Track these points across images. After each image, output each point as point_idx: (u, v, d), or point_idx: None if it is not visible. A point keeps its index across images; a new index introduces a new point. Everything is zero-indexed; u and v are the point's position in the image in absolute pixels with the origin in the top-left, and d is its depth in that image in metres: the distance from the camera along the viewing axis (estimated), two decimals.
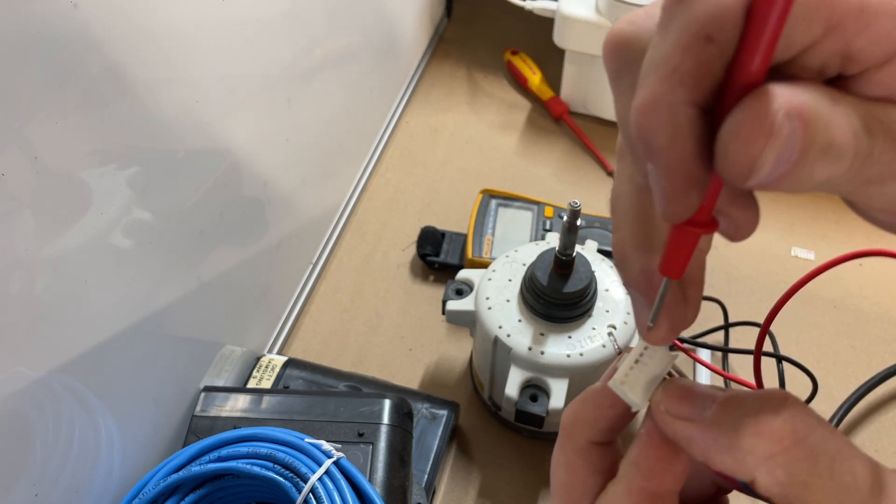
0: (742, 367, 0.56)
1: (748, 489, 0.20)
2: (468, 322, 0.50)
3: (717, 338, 0.57)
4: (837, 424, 0.51)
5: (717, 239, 0.23)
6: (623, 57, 0.19)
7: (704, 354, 0.56)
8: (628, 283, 0.22)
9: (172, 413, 0.45)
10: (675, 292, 0.21)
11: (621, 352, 0.24)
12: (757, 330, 0.56)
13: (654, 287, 0.21)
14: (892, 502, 0.18)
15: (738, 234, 0.19)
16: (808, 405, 0.20)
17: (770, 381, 0.55)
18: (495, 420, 0.54)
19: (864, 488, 0.18)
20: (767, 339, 0.55)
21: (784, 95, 0.16)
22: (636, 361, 0.22)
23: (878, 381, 0.54)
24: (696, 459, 0.20)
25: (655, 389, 0.22)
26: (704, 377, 0.54)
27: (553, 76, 0.80)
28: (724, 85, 0.17)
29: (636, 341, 0.24)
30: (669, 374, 0.22)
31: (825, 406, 0.53)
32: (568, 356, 0.44)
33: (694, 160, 0.17)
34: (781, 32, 0.15)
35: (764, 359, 0.55)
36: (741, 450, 0.19)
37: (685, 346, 0.51)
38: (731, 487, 0.25)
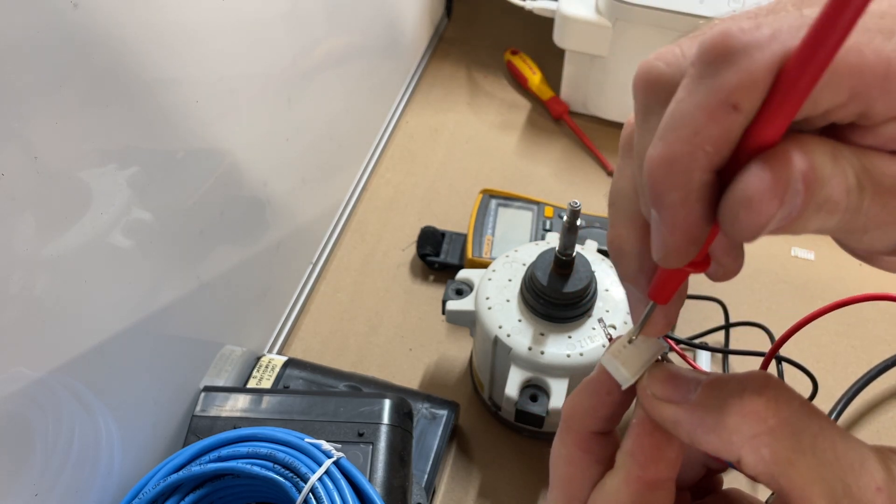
0: (742, 367, 0.56)
1: (734, 467, 0.21)
2: (468, 322, 0.50)
3: (718, 338, 0.57)
4: (835, 421, 0.51)
5: None
6: (654, 95, 0.19)
7: (704, 355, 0.56)
8: (624, 279, 0.23)
9: (172, 413, 0.45)
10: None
11: (612, 339, 0.24)
12: (757, 330, 0.56)
13: (649, 282, 0.22)
14: (871, 476, 0.19)
15: (724, 277, 0.21)
16: (788, 385, 0.20)
17: None
18: (495, 420, 0.54)
19: (844, 463, 0.19)
20: (767, 339, 0.55)
21: (793, 160, 0.16)
22: (629, 342, 0.23)
23: (875, 375, 0.54)
24: (684, 442, 0.21)
25: (644, 370, 0.22)
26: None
27: (553, 76, 0.80)
28: (738, 145, 0.17)
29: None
30: (658, 360, 0.23)
31: (825, 406, 0.52)
32: (568, 356, 0.44)
33: (700, 221, 0.18)
34: (806, 99, 0.15)
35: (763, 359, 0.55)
36: (726, 430, 0.19)
37: (681, 348, 0.51)
38: (720, 468, 0.25)
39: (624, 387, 0.23)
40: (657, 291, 0.21)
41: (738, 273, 0.21)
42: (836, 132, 0.18)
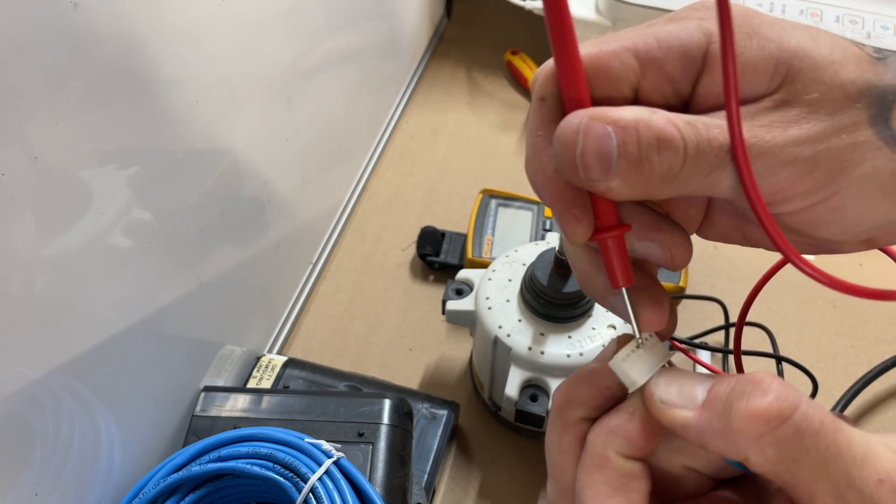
0: (743, 367, 0.56)
1: (742, 467, 0.21)
2: (468, 322, 0.50)
3: (718, 338, 0.57)
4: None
5: None
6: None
7: (704, 356, 0.56)
8: (604, 303, 0.26)
9: (172, 413, 0.45)
10: (645, 285, 0.24)
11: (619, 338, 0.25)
12: (757, 330, 0.56)
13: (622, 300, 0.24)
14: (873, 467, 0.19)
15: (674, 259, 0.24)
16: (790, 384, 0.21)
17: None
18: (495, 420, 0.54)
19: (847, 457, 0.19)
20: (767, 340, 0.55)
21: (602, 110, 0.20)
22: (637, 346, 0.23)
23: (875, 375, 0.54)
24: (693, 444, 0.22)
25: (652, 374, 0.23)
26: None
27: None
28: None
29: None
30: (664, 366, 0.24)
31: (825, 406, 0.52)
32: (568, 356, 0.44)
33: (562, 188, 0.22)
34: (580, 77, 0.21)
35: (764, 359, 0.55)
36: (733, 432, 0.20)
37: (684, 346, 0.51)
38: (728, 474, 0.25)
39: (631, 391, 0.23)
40: (613, 275, 0.23)
41: (687, 252, 0.24)
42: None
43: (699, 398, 0.21)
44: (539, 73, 0.22)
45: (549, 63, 0.22)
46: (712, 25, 0.21)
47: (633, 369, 0.23)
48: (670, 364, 0.24)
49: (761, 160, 0.21)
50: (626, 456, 0.23)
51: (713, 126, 0.21)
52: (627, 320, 0.24)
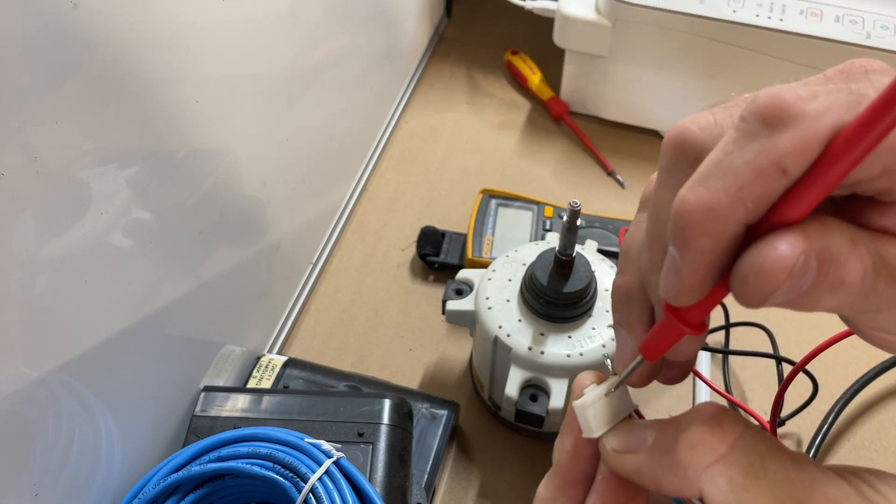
0: (743, 367, 0.56)
1: None
2: (468, 322, 0.50)
3: (718, 338, 0.57)
4: (834, 421, 0.51)
5: None
6: (683, 155, 0.20)
7: (704, 356, 0.56)
8: (622, 324, 0.24)
9: (172, 413, 0.45)
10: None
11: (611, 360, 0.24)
12: (757, 330, 0.56)
13: (644, 332, 0.23)
14: (823, 493, 0.19)
15: (670, 382, 0.23)
16: (733, 411, 0.21)
17: (770, 381, 0.55)
18: (495, 420, 0.54)
19: (796, 483, 0.19)
20: (767, 340, 0.55)
21: (811, 239, 0.17)
22: (606, 394, 0.23)
23: (874, 376, 0.54)
24: (650, 489, 0.21)
25: (611, 426, 0.23)
26: (704, 395, 0.54)
27: (553, 76, 0.80)
28: (772, 213, 0.17)
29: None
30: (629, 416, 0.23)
31: (824, 407, 0.52)
32: (568, 356, 0.44)
33: (718, 270, 0.18)
34: (848, 175, 0.16)
35: (764, 359, 0.55)
36: (681, 466, 0.20)
37: None
38: None
39: (584, 436, 0.23)
40: (649, 347, 0.22)
41: (680, 381, 0.23)
42: (853, 206, 0.19)
43: (649, 441, 0.21)
44: (797, 136, 0.17)
45: (812, 132, 0.17)
46: None
47: (594, 419, 0.23)
48: (636, 415, 0.24)
49: None
50: None
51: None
52: (618, 365, 0.24)
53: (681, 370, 0.25)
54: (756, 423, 0.47)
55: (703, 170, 0.18)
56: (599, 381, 0.24)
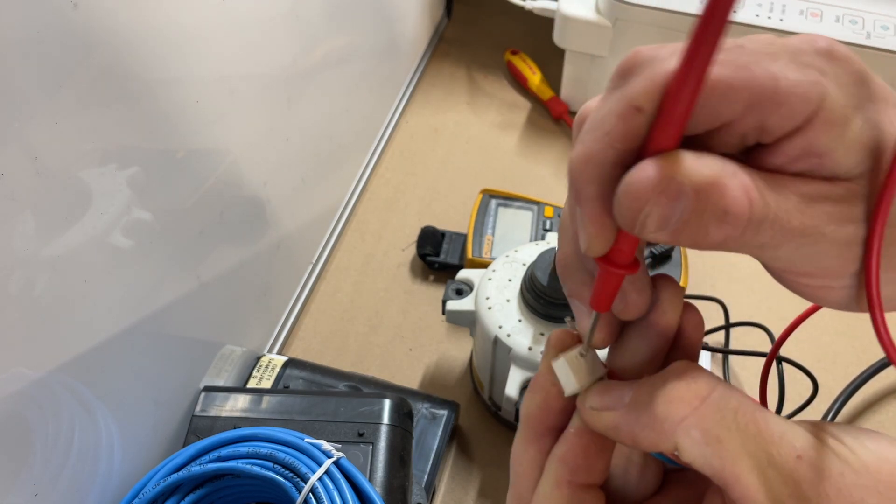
0: (743, 367, 0.56)
1: (676, 464, 0.22)
2: (468, 322, 0.50)
3: (718, 338, 0.57)
4: (833, 419, 0.51)
5: None
6: (579, 126, 0.22)
7: (704, 356, 0.56)
8: (570, 294, 0.25)
9: (172, 413, 0.45)
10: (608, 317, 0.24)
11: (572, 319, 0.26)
12: (757, 330, 0.56)
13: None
14: (791, 444, 0.20)
15: (625, 312, 0.23)
16: (707, 369, 0.22)
17: (770, 381, 0.55)
18: (495, 420, 0.54)
19: (766, 435, 0.20)
20: (767, 339, 0.55)
21: (680, 164, 0.18)
22: (580, 355, 0.24)
23: (873, 374, 0.54)
24: (627, 445, 0.22)
25: (590, 383, 0.24)
26: None
27: (553, 76, 0.80)
28: (643, 149, 0.19)
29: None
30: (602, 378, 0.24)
31: (823, 406, 0.52)
32: None
33: (606, 199, 0.20)
34: (693, 106, 0.18)
35: (764, 359, 0.55)
36: (657, 419, 0.21)
37: None
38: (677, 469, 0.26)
39: (566, 394, 0.24)
40: (596, 299, 0.23)
41: (640, 312, 0.23)
42: (750, 159, 0.20)
43: (626, 398, 0.22)
44: (652, 74, 0.19)
45: (658, 71, 0.18)
46: (829, 88, 0.19)
47: (575, 375, 0.23)
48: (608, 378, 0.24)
49: (809, 245, 0.20)
50: (579, 484, 0.23)
51: (783, 204, 0.19)
52: (581, 331, 0.25)
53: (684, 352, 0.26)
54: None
55: (583, 130, 0.20)
56: (572, 340, 0.25)
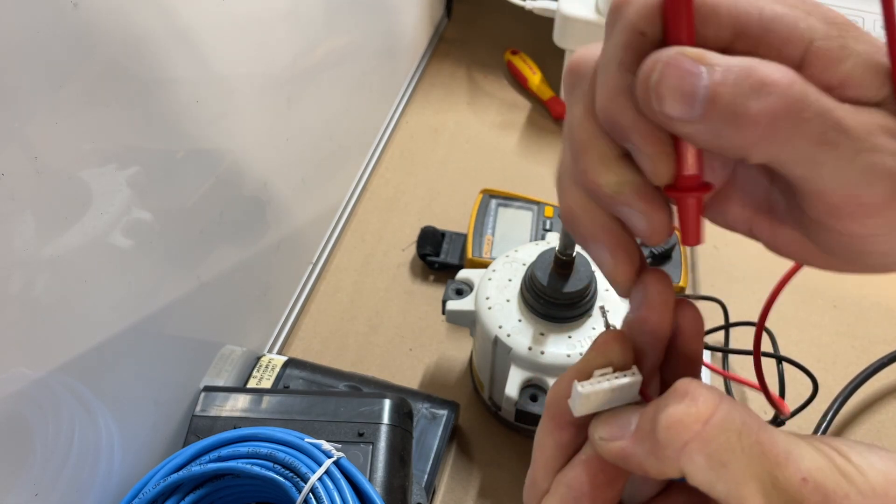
0: (743, 367, 0.56)
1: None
2: (468, 322, 0.50)
3: (718, 338, 0.57)
4: (832, 419, 0.51)
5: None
6: (576, 74, 0.23)
7: (704, 356, 0.56)
8: (588, 239, 0.24)
9: (172, 413, 0.45)
10: (623, 238, 0.23)
11: (609, 326, 0.24)
12: None
13: (611, 236, 0.23)
14: (797, 466, 0.19)
15: (652, 234, 0.22)
16: (709, 386, 0.21)
17: (770, 381, 0.55)
18: (495, 420, 0.54)
19: (770, 456, 0.19)
20: (767, 339, 0.55)
21: (694, 50, 0.18)
22: (608, 381, 0.22)
23: (872, 373, 0.54)
24: (638, 473, 0.21)
25: (595, 410, 0.23)
26: (705, 377, 0.54)
27: (553, 76, 0.80)
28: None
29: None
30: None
31: (823, 406, 0.52)
32: (568, 356, 0.44)
33: (647, 121, 0.20)
34: (691, 23, 0.19)
35: (764, 359, 0.54)
36: (660, 447, 0.20)
37: None
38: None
39: (575, 415, 0.23)
40: (686, 234, 0.22)
41: (665, 230, 0.22)
42: None
43: (632, 426, 0.21)
44: (635, 4, 0.20)
45: None
46: (817, 24, 0.19)
47: (588, 401, 0.22)
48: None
49: (866, 155, 0.18)
50: None
51: (837, 107, 0.18)
52: (610, 279, 0.24)
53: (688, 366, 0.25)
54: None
55: (599, 70, 0.21)
56: (621, 348, 0.23)
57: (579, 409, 0.23)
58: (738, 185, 0.23)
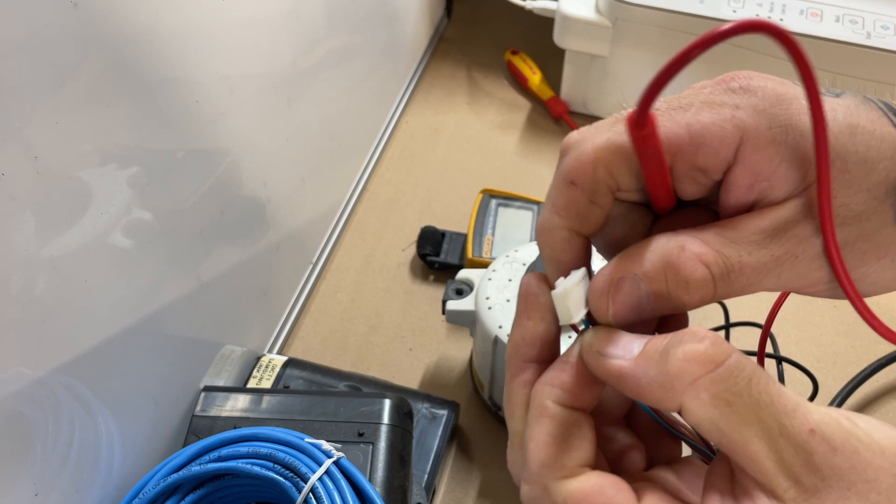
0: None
1: (674, 431, 0.23)
2: (468, 322, 0.50)
3: None
4: None
5: None
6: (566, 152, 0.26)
7: None
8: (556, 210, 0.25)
9: (172, 413, 0.45)
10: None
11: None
12: (758, 331, 0.56)
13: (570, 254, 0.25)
14: (805, 417, 0.20)
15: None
16: (720, 335, 0.22)
17: None
18: (495, 420, 0.54)
19: (778, 406, 0.20)
20: (768, 339, 0.55)
21: (633, 260, 0.23)
22: (576, 284, 0.24)
23: (871, 373, 0.54)
24: (629, 395, 0.22)
25: (586, 311, 0.24)
26: None
27: (553, 76, 0.80)
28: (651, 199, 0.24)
29: None
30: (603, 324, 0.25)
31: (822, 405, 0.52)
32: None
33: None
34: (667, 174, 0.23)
35: (764, 359, 0.55)
36: (669, 377, 0.21)
37: None
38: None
39: (562, 323, 0.24)
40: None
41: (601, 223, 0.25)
42: (719, 202, 0.24)
43: (636, 350, 0.22)
44: (578, 154, 0.23)
45: (589, 146, 0.23)
46: (747, 118, 0.22)
47: (574, 305, 0.24)
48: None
49: (788, 269, 0.23)
50: (566, 405, 0.23)
51: (745, 250, 0.22)
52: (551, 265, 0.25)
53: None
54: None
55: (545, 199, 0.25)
56: (544, 281, 0.25)
57: (570, 311, 0.24)
58: None
